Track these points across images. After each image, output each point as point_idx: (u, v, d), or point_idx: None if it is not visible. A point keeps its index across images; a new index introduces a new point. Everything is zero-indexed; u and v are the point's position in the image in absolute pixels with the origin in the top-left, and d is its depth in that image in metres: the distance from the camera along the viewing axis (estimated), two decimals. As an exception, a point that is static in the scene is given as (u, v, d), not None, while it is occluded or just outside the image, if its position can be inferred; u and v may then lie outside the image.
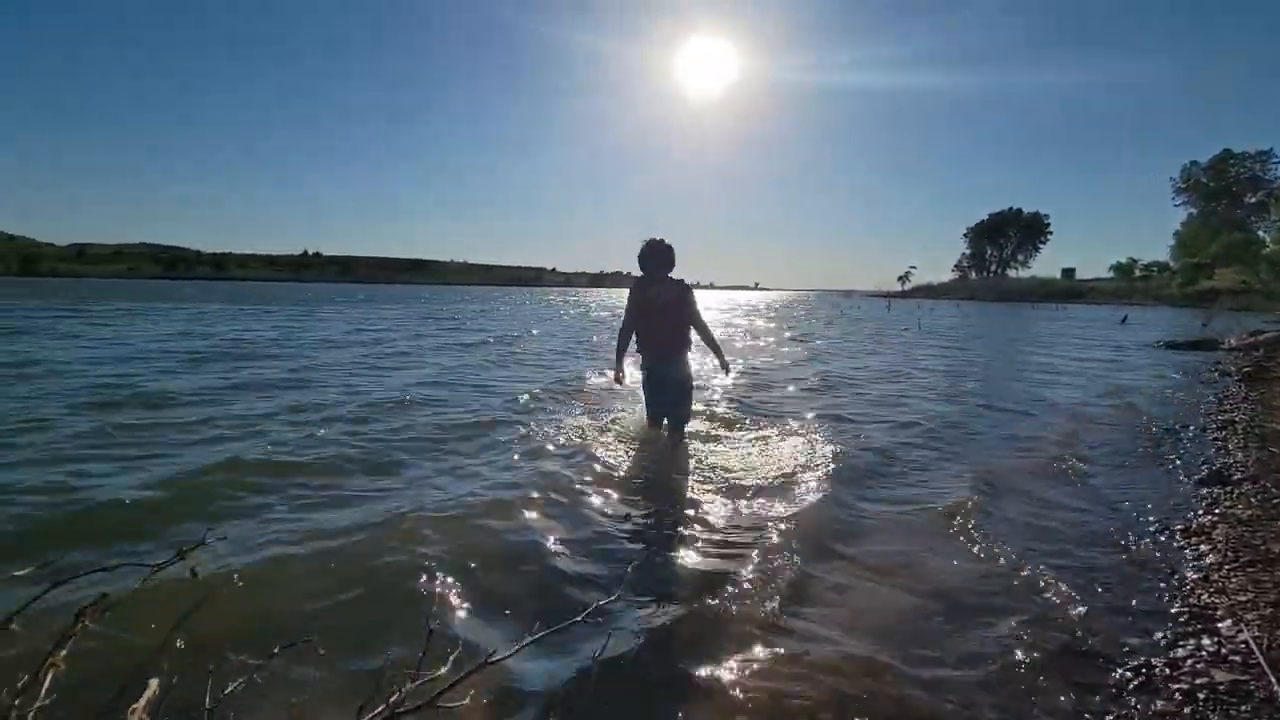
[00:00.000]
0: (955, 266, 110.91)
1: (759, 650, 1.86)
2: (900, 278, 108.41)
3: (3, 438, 3.87)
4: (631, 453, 4.03)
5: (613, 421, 4.77)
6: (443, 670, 1.10)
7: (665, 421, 4.16)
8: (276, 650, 1.49)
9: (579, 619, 1.05)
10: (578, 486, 3.33)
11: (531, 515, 2.92)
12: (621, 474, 3.61)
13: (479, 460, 3.81)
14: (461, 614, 2.02)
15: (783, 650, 1.85)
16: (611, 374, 4.31)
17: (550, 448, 4.08)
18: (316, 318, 18.09)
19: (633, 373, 4.19)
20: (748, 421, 4.96)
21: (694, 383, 4.08)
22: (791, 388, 6.97)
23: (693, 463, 3.82)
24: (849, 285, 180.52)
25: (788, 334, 16.50)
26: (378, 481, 3.34)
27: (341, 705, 1.53)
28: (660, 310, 3.92)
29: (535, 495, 3.16)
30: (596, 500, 3.17)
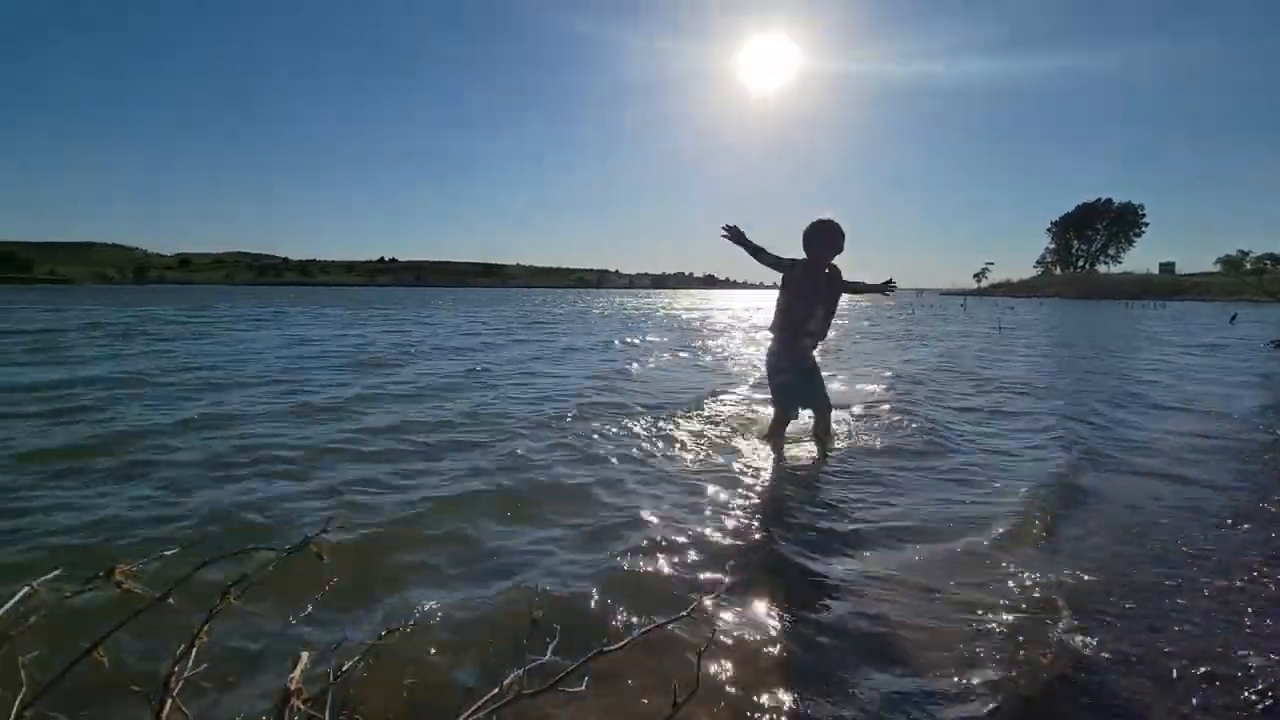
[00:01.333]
0: (1038, 262, 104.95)
1: (860, 655, 1.84)
2: (976, 275, 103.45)
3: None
4: (758, 448, 4.03)
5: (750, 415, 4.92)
6: (547, 656, 1.16)
7: (808, 413, 4.11)
8: (384, 633, 1.59)
9: (684, 614, 1.07)
10: (693, 479, 3.38)
11: (636, 507, 2.98)
12: (750, 470, 3.61)
13: (598, 448, 3.99)
14: (560, 604, 2.07)
15: (889, 655, 1.83)
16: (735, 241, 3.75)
17: (671, 439, 4.21)
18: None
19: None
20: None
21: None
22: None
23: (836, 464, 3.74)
24: (920, 284, 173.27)
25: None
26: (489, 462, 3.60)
27: (449, 686, 1.62)
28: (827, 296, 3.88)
29: (638, 486, 3.25)
30: (710, 494, 3.19)
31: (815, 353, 4.07)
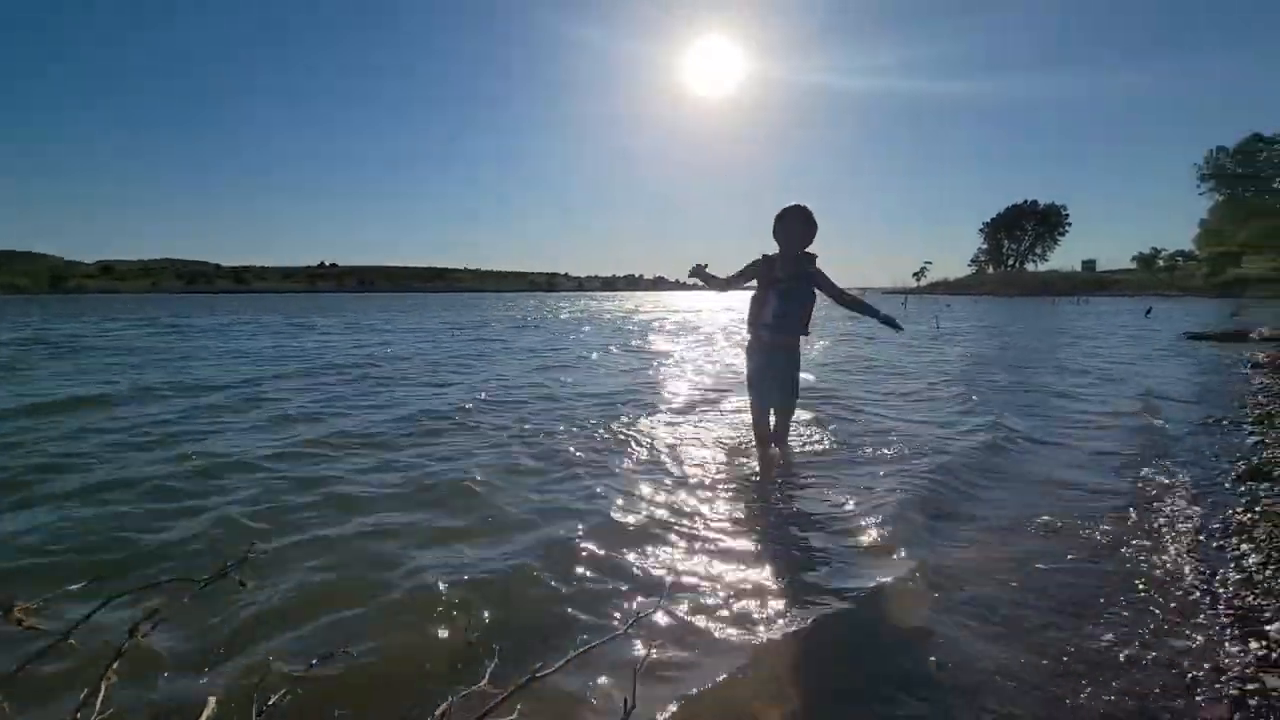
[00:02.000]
0: (972, 261, 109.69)
1: (809, 658, 1.83)
2: (916, 274, 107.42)
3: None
4: (720, 453, 3.95)
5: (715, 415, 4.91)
6: (483, 684, 1.12)
7: (772, 416, 3.90)
8: (315, 661, 1.52)
9: (622, 631, 1.05)
10: (639, 490, 3.28)
11: (577, 520, 2.89)
12: (699, 476, 3.50)
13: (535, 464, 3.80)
14: (498, 626, 2.00)
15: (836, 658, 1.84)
16: (704, 283, 3.87)
17: (625, 448, 4.10)
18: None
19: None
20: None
21: None
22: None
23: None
24: (863, 283, 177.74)
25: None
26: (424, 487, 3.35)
27: (383, 715, 1.55)
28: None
29: (583, 498, 3.16)
30: (656, 504, 3.10)
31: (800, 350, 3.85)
